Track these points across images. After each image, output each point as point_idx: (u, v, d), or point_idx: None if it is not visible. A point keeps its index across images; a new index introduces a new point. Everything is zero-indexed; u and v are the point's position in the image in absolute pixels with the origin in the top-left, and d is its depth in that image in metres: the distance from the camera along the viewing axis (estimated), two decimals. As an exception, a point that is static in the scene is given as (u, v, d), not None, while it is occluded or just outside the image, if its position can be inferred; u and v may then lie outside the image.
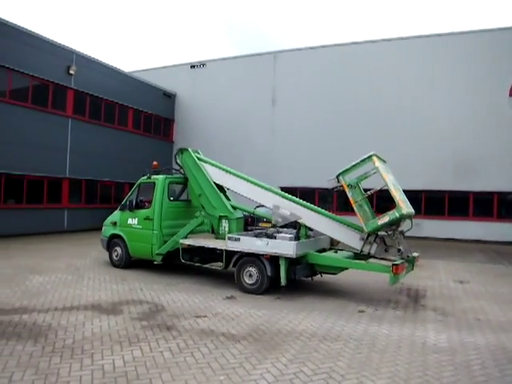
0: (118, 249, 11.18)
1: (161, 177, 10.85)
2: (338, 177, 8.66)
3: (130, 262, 11.13)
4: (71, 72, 19.60)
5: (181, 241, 9.98)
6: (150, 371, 4.78)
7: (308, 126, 23.92)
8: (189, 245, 9.89)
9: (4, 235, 15.96)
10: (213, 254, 9.77)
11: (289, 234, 9.05)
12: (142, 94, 24.70)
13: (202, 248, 9.75)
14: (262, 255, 8.70)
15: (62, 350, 5.27)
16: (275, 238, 8.87)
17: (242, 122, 25.64)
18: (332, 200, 23.77)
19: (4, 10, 72.70)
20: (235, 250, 9.03)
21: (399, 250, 8.26)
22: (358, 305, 8.09)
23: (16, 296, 7.82)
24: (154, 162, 11.47)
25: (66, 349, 5.33)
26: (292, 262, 8.54)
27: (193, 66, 27.76)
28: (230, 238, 9.08)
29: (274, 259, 8.58)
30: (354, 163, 8.64)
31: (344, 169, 8.67)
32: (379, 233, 8.45)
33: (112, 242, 11.37)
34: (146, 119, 25.39)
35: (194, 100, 27.57)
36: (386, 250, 8.46)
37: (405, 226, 8.63)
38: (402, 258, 8.25)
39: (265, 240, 8.76)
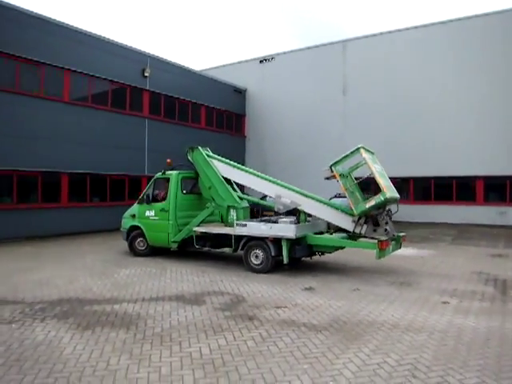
0: (141, 238, 12.19)
1: (174, 172, 11.94)
2: (330, 167, 9.81)
3: (152, 250, 12.16)
4: (146, 74, 20.50)
5: (194, 228, 11.14)
6: (236, 359, 4.93)
7: (381, 114, 23.30)
8: (201, 232, 11.11)
9: (86, 231, 17.13)
10: (223, 240, 10.89)
11: (289, 219, 10.09)
12: (213, 91, 25.26)
13: (213, 235, 10.97)
14: (267, 238, 9.88)
15: (151, 338, 5.58)
16: (277, 222, 10.01)
17: (313, 112, 25.45)
18: (408, 190, 23.03)
19: (79, 18, 77.24)
20: (243, 234, 10.23)
21: (386, 230, 9.44)
22: (440, 296, 7.80)
23: (107, 288, 8.37)
24: (168, 160, 12.29)
25: (156, 336, 5.64)
26: (293, 243, 9.72)
27: (262, 61, 27.94)
28: (237, 224, 10.34)
29: (277, 241, 9.78)
30: (343, 155, 9.86)
31: (335, 160, 9.85)
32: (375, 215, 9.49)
33: (133, 233, 12.33)
34: (218, 116, 25.94)
35: (264, 94, 27.75)
36: (374, 230, 9.56)
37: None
38: (388, 237, 9.42)
39: (268, 224, 9.98)
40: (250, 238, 10.19)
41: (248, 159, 27.98)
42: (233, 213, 10.98)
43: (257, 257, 10.09)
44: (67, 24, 17.44)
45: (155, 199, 12.11)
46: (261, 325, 6.13)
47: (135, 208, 12.52)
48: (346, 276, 9.61)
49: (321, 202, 10.31)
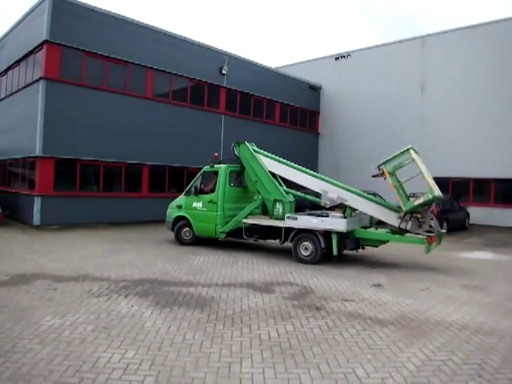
0: (187, 228, 12.58)
1: (223, 166, 12.25)
2: (379, 166, 10.29)
3: (197, 240, 12.60)
4: (223, 72, 21.18)
5: (244, 220, 11.56)
6: (302, 344, 5.17)
7: (462, 113, 22.34)
8: (250, 224, 11.54)
9: (164, 220, 18.01)
10: (271, 232, 11.40)
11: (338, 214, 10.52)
12: (288, 88, 25.51)
13: (261, 226, 11.43)
14: (317, 231, 10.34)
15: (224, 319, 5.97)
16: (327, 216, 10.47)
17: (389, 110, 24.92)
18: (489, 192, 21.94)
19: (160, 19, 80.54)
20: (293, 227, 10.66)
21: (431, 226, 10.08)
22: (518, 301, 7.53)
23: (183, 272, 8.93)
24: (215, 154, 12.81)
25: (228, 318, 6.02)
26: (342, 236, 10.23)
27: (337, 58, 27.78)
28: (288, 217, 10.78)
29: (327, 234, 10.28)
30: (394, 154, 10.27)
31: (386, 159, 10.27)
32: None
33: (179, 223, 12.72)
34: (293, 112, 26.16)
35: (339, 91, 27.58)
36: (419, 226, 10.09)
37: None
38: (432, 233, 10.01)
39: (320, 218, 10.47)
40: (300, 231, 10.66)
41: (321, 156, 27.99)
42: (279, 206, 11.40)
43: (306, 248, 10.55)
44: (151, 25, 18.48)
45: (202, 191, 12.44)
46: (327, 315, 6.32)
47: (182, 199, 12.88)
48: (416, 275, 9.49)
49: (367, 198, 10.87)
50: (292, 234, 10.81)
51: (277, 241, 11.43)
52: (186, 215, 12.56)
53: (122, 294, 7.05)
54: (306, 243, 10.58)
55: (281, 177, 11.97)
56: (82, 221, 15.96)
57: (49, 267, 9.01)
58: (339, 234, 10.15)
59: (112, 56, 16.94)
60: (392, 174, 10.26)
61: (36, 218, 15.27)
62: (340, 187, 11.03)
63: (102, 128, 16.51)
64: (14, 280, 7.83)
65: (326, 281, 8.57)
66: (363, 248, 11.24)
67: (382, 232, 10.79)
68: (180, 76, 19.54)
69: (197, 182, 12.64)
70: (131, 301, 6.66)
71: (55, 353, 4.67)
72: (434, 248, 10.25)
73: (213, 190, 12.21)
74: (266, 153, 12.09)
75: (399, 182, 10.15)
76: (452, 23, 69.49)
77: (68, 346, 4.85)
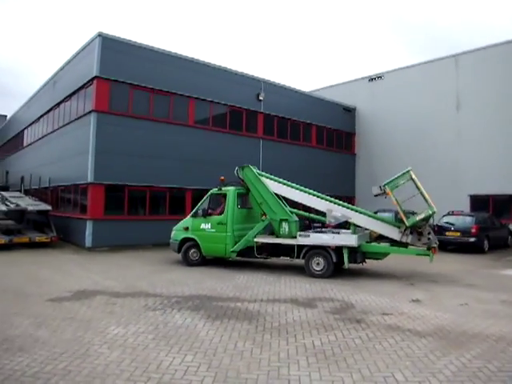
0: (194, 249, 12.88)
1: (232, 188, 12.81)
2: (382, 186, 11.42)
3: (204, 260, 12.95)
4: (260, 98, 22.02)
5: (256, 239, 12.10)
6: (344, 351, 5.59)
7: (499, 129, 22.19)
8: (262, 242, 12.14)
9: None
10: (282, 249, 11.99)
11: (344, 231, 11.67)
12: (323, 110, 26.09)
13: (272, 244, 12.06)
14: (328, 247, 11.11)
15: (271, 330, 6.45)
16: (338, 233, 11.48)
17: (425, 128, 24.99)
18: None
19: (199, 50, 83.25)
20: (305, 244, 11.36)
21: (429, 239, 11.12)
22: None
23: (229, 289, 9.48)
24: (222, 177, 13.09)
25: (274, 329, 6.50)
26: (351, 251, 11.07)
27: (371, 79, 28.20)
28: (300, 235, 11.50)
29: (338, 249, 11.09)
30: (396, 176, 11.48)
31: (389, 180, 11.46)
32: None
33: (186, 244, 12.99)
34: (329, 134, 26.66)
35: (373, 111, 27.93)
36: (419, 239, 11.20)
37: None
38: (430, 244, 11.10)
39: (331, 235, 11.36)
40: (312, 247, 11.38)
41: (358, 176, 28.22)
42: (285, 225, 12.07)
43: (318, 264, 11.30)
44: (191, 57, 19.57)
45: (210, 213, 12.80)
46: (367, 327, 6.70)
47: (188, 221, 13.20)
48: (455, 292, 9.68)
49: (369, 215, 11.92)
50: (304, 251, 11.49)
51: (286, 258, 12.10)
52: (194, 237, 12.87)
53: (175, 308, 7.65)
54: (317, 258, 11.34)
55: (284, 197, 12.58)
56: (129, 242, 16.82)
57: (105, 284, 9.77)
58: (349, 248, 11.04)
59: (156, 88, 18.04)
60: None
61: (88, 241, 16.26)
62: (343, 206, 11.97)
63: (147, 155, 17.50)
64: (76, 296, 8.59)
65: (366, 297, 8.91)
66: (365, 261, 11.98)
67: (387, 246, 11.67)
68: (219, 103, 20.47)
69: (204, 204, 13.07)
70: (184, 314, 7.25)
71: (123, 356, 5.28)
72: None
73: (221, 212, 12.69)
74: (268, 175, 12.73)
75: (396, 199, 11.32)
76: (486, 38, 68.77)
77: (133, 351, 5.45)
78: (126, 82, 17.29)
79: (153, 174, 17.74)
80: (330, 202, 12.07)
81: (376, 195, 11.78)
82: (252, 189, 12.64)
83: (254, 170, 12.70)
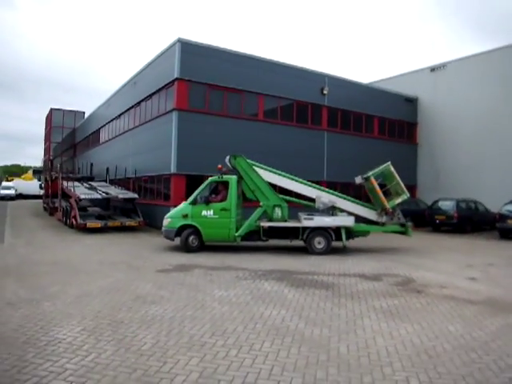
0: (194, 236, 13.18)
1: (233, 176, 13.48)
2: (368, 177, 13.99)
3: (202, 246, 13.40)
4: (324, 92, 23.13)
5: (262, 224, 13.21)
6: (406, 311, 6.93)
7: None
8: (268, 226, 13.18)
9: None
10: (286, 232, 13.29)
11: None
12: (384, 102, 26.74)
13: (277, 228, 13.24)
14: (329, 228, 13.08)
15: (345, 295, 7.89)
16: (337, 215, 13.54)
17: (490, 117, 24.85)
18: None
19: (264, 47, 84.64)
20: (309, 226, 12.98)
21: (399, 218, 14.05)
22: None
23: (304, 266, 11.01)
24: (219, 166, 13.58)
25: (348, 295, 7.93)
26: (347, 231, 13.18)
27: (433, 69, 28.37)
28: (305, 218, 13.08)
29: (336, 230, 13.16)
30: (378, 169, 14.26)
31: (373, 172, 14.12)
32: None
33: (186, 231, 13.18)
34: (390, 125, 27.31)
35: (436, 101, 28.11)
36: (391, 219, 13.99)
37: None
38: (401, 224, 14.09)
39: (331, 217, 13.40)
40: (314, 229, 13.04)
41: (420, 165, 28.63)
42: (278, 210, 13.30)
43: (319, 243, 13.06)
44: (259, 56, 21.05)
45: (211, 200, 13.26)
46: (427, 296, 7.96)
47: (186, 208, 13.36)
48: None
49: (351, 200, 14.13)
50: (307, 232, 13.05)
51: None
52: (194, 223, 13.16)
53: (262, 278, 9.26)
54: (319, 238, 13.06)
55: (273, 184, 13.69)
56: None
57: (198, 260, 11.54)
58: (346, 228, 13.16)
59: (229, 86, 19.70)
60: (368, 181, 14.03)
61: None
62: (329, 193, 13.94)
63: (222, 148, 19.10)
64: (177, 268, 10.41)
65: (427, 274, 10.10)
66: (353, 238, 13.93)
67: (370, 225, 14.09)
68: (286, 98, 21.86)
69: (204, 192, 13.49)
70: (271, 283, 8.83)
71: (231, 309, 6.89)
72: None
73: (222, 199, 13.27)
74: (260, 164, 13.72)
75: (378, 187, 13.87)
76: None
77: (238, 306, 7.06)
78: (203, 82, 19.06)
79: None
80: (318, 189, 13.92)
81: (359, 183, 14.51)
82: (245, 177, 13.45)
83: (246, 159, 13.53)
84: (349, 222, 13.31)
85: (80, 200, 19.42)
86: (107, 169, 26.63)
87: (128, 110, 25.61)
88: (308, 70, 22.96)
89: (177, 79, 18.61)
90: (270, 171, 13.85)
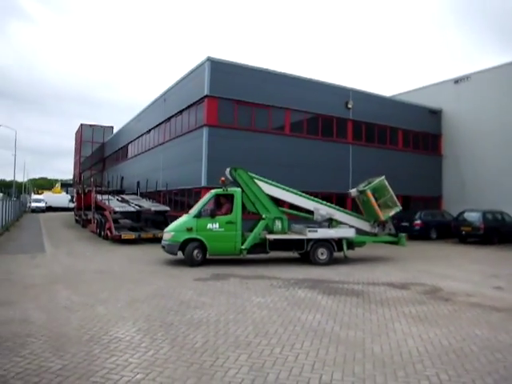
0: (198, 250, 12.82)
1: (238, 189, 13.46)
2: (364, 190, 14.68)
3: (205, 260, 13.05)
4: (349, 106, 23.67)
5: (268, 236, 13.25)
6: (434, 317, 7.37)
7: None
8: (274, 239, 13.26)
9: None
10: (291, 244, 13.48)
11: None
12: (408, 114, 27.09)
13: (282, 240, 13.39)
14: (332, 239, 13.59)
15: (375, 302, 8.37)
16: (340, 227, 14.13)
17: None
18: None
19: (289, 63, 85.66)
20: (313, 238, 13.33)
21: (390, 229, 15.00)
22: None
23: (334, 275, 11.51)
24: (222, 178, 13.60)
25: (378, 302, 8.40)
26: (347, 242, 13.76)
27: (456, 81, 28.57)
28: (310, 231, 13.41)
29: (338, 241, 13.71)
30: (374, 183, 14.86)
31: (370, 185, 14.74)
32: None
33: (191, 245, 12.77)
34: (414, 137, 27.62)
35: (460, 113, 28.23)
36: (383, 230, 14.86)
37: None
38: (392, 235, 15.11)
39: (334, 229, 13.93)
40: (317, 240, 13.41)
41: (445, 177, 28.72)
42: (278, 223, 13.54)
43: (322, 254, 13.44)
44: (285, 72, 21.80)
45: (216, 213, 13.01)
46: (454, 304, 8.37)
47: (191, 222, 12.99)
48: (536, 282, 10.91)
49: (347, 213, 14.99)
50: (311, 244, 13.35)
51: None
52: (200, 237, 12.82)
53: (295, 286, 9.80)
54: (322, 249, 13.44)
55: (272, 197, 13.84)
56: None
57: (232, 270, 12.13)
58: (347, 240, 13.78)
59: (257, 102, 20.44)
60: (363, 194, 14.79)
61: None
62: (327, 205, 14.41)
63: (251, 162, 19.73)
64: (213, 277, 11.02)
65: (454, 283, 10.48)
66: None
67: (367, 236, 14.95)
68: (311, 112, 22.49)
69: (208, 205, 13.25)
70: (304, 290, 9.37)
71: (270, 314, 7.44)
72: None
73: (226, 212, 13.15)
74: (260, 177, 13.78)
75: (374, 200, 14.54)
76: None
77: (276, 311, 7.61)
78: (232, 99, 19.87)
79: (255, 178, 20.12)
80: (317, 202, 14.37)
81: (353, 197, 15.40)
82: (246, 189, 13.43)
83: (246, 172, 13.60)
84: (350, 233, 13.98)
85: (115, 213, 20.31)
86: (138, 182, 27.61)
87: (158, 125, 26.62)
88: (333, 84, 23.58)
89: (206, 96, 19.44)
90: (270, 184, 13.96)
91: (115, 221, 21.33)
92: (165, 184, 23.48)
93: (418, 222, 22.69)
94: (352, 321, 7.05)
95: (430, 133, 28.58)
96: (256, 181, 13.69)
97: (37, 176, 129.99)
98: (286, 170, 20.98)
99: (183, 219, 13.42)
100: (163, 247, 13.48)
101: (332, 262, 13.55)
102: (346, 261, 14.13)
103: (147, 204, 22.43)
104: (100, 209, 22.72)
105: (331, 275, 11.48)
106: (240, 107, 20.17)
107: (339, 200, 22.39)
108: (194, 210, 13.42)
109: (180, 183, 22.08)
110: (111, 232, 19.49)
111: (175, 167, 23.01)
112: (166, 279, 10.71)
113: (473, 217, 21.21)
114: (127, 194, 27.15)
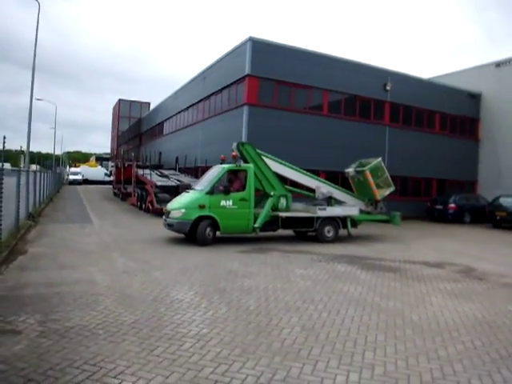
0: (210, 228, 12.27)
1: (251, 165, 13.03)
2: (363, 171, 15.02)
3: (214, 238, 12.50)
4: (387, 88, 23.70)
5: (281, 214, 13.21)
6: (468, 292, 7.85)
7: None
8: (285, 216, 13.27)
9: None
10: (302, 222, 13.66)
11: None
12: (446, 97, 26.81)
13: (294, 218, 13.50)
14: (338, 217, 14.04)
15: (412, 278, 8.90)
16: (345, 206, 14.78)
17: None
18: None
19: (328, 44, 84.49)
20: (322, 216, 13.70)
21: (381, 208, 15.48)
22: None
23: (370, 252, 12.07)
24: (233, 153, 13.45)
25: (414, 278, 8.94)
26: (351, 220, 14.33)
27: (498, 65, 28.01)
28: (319, 209, 13.80)
29: (343, 219, 14.18)
30: (373, 164, 15.14)
31: (369, 166, 15.04)
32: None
33: (203, 222, 12.17)
34: (452, 121, 27.42)
35: (500, 97, 27.72)
36: (375, 208, 15.41)
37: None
38: (384, 213, 15.57)
39: (341, 207, 14.53)
40: (325, 218, 13.79)
41: (481, 162, 28.49)
42: (283, 200, 13.55)
43: (329, 231, 13.90)
44: (325, 53, 22.02)
45: (227, 190, 12.46)
46: (487, 282, 8.82)
47: (203, 198, 12.33)
48: None
49: (345, 192, 15.40)
50: (319, 222, 13.68)
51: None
52: (213, 214, 12.27)
53: (335, 261, 10.40)
54: (328, 227, 13.86)
55: (278, 174, 13.84)
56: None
57: (272, 245, 12.79)
58: (351, 218, 14.30)
59: (296, 82, 20.77)
60: (361, 174, 15.22)
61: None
62: (327, 184, 14.91)
63: (289, 140, 20.32)
64: (255, 250, 11.71)
65: (487, 265, 10.85)
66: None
67: (367, 215, 15.42)
68: (350, 94, 22.68)
69: (222, 181, 12.68)
70: (343, 265, 9.96)
71: (314, 284, 8.07)
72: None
73: (239, 189, 12.79)
74: (266, 154, 13.70)
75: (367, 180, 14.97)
76: None
77: (319, 282, 8.23)
78: (272, 79, 20.25)
79: (294, 157, 20.49)
80: (319, 180, 14.94)
81: (352, 176, 15.79)
82: (253, 165, 13.09)
83: (254, 147, 13.42)
84: (355, 211, 14.54)
85: (156, 187, 21.20)
86: (177, 158, 28.45)
87: (197, 102, 27.24)
88: (371, 66, 23.62)
89: (248, 75, 19.89)
90: (276, 161, 13.90)
91: (154, 194, 22.26)
92: (204, 160, 24.17)
93: (452, 205, 22.82)
94: (391, 293, 7.61)
95: (467, 116, 28.27)
96: (263, 158, 13.55)
97: (71, 149, 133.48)
98: (322, 149, 21.38)
99: (193, 195, 12.80)
100: (170, 225, 12.62)
101: (336, 239, 13.98)
102: (381, 239, 14.67)
103: (186, 179, 23.25)
104: (140, 183, 23.67)
105: (368, 252, 12.01)
106: (280, 87, 20.56)
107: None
108: (204, 186, 12.75)
109: (219, 160, 22.72)
110: (153, 205, 20.40)
111: (214, 144, 23.65)
112: (211, 250, 11.45)
113: (508, 202, 21.19)
114: (166, 169, 28.04)
